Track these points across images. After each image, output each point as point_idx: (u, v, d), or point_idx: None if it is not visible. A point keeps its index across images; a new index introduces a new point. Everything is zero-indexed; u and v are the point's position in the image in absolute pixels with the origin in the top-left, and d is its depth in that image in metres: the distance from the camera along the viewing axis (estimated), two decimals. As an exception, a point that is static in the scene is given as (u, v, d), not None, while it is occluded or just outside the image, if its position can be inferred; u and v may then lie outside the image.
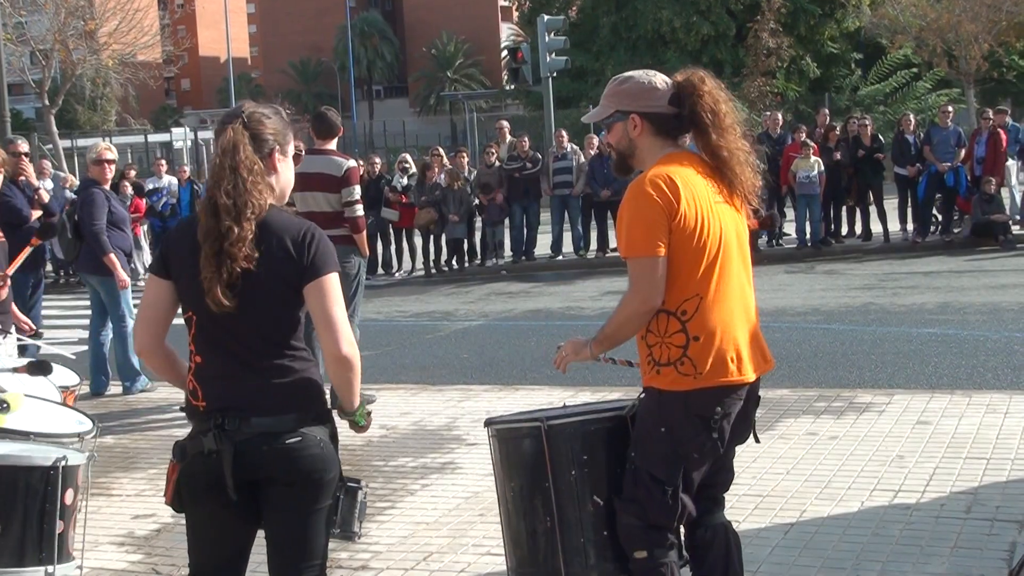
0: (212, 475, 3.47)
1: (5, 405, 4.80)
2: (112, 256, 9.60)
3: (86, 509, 5.23)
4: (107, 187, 9.93)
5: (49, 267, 19.19)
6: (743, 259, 3.96)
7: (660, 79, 3.92)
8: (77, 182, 19.99)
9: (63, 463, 4.74)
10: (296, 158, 9.35)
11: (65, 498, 4.76)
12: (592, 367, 9.97)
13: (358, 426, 3.76)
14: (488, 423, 4.24)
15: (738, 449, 6.84)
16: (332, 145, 9.10)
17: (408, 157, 20.48)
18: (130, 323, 9.66)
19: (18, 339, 6.88)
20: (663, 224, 3.73)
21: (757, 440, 4.15)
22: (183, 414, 3.68)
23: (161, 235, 20.24)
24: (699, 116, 3.85)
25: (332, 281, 3.50)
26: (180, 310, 3.63)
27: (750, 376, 3.87)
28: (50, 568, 4.74)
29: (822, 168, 17.94)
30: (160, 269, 3.60)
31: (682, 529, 4.03)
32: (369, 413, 3.82)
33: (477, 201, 19.33)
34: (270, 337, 3.51)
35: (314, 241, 3.49)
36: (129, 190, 19.88)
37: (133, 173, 21.18)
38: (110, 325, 9.95)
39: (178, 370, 3.74)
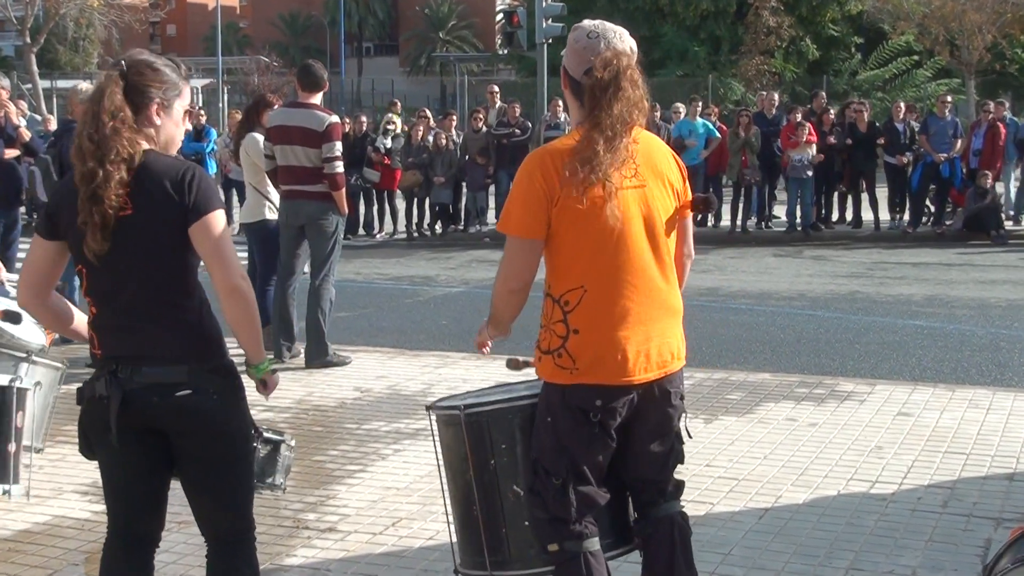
0: (106, 420, 3.51)
1: None
2: None
3: (32, 453, 5.27)
4: None
5: (23, 209, 19.05)
6: (656, 248, 3.72)
7: (600, 45, 3.66)
8: (54, 124, 19.90)
9: (17, 383, 4.85)
10: (294, 106, 9.37)
11: (17, 420, 4.85)
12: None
13: (261, 383, 3.75)
14: (428, 407, 4.19)
15: (715, 431, 6.88)
16: (316, 99, 9.05)
17: (394, 117, 20.39)
18: None
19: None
20: (540, 207, 3.61)
21: (689, 435, 4.03)
22: None
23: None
24: (592, 89, 3.64)
25: (217, 218, 3.51)
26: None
27: (637, 378, 3.68)
28: (5, 486, 4.83)
29: (814, 152, 17.95)
30: (45, 229, 3.62)
31: (632, 515, 3.99)
32: (274, 372, 3.82)
33: (467, 158, 19.22)
34: (158, 284, 3.52)
35: (194, 180, 3.50)
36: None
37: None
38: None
39: (66, 322, 3.79)
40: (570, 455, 3.72)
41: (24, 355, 5.20)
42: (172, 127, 3.68)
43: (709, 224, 19.13)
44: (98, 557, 5.18)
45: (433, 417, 4.17)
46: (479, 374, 8.54)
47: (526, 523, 3.84)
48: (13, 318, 5.11)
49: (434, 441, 4.23)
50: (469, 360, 9.32)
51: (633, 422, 3.78)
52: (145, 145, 3.53)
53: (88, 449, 3.67)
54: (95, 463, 3.73)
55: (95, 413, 3.56)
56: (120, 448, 3.54)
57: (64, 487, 6.09)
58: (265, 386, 3.76)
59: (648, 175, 3.73)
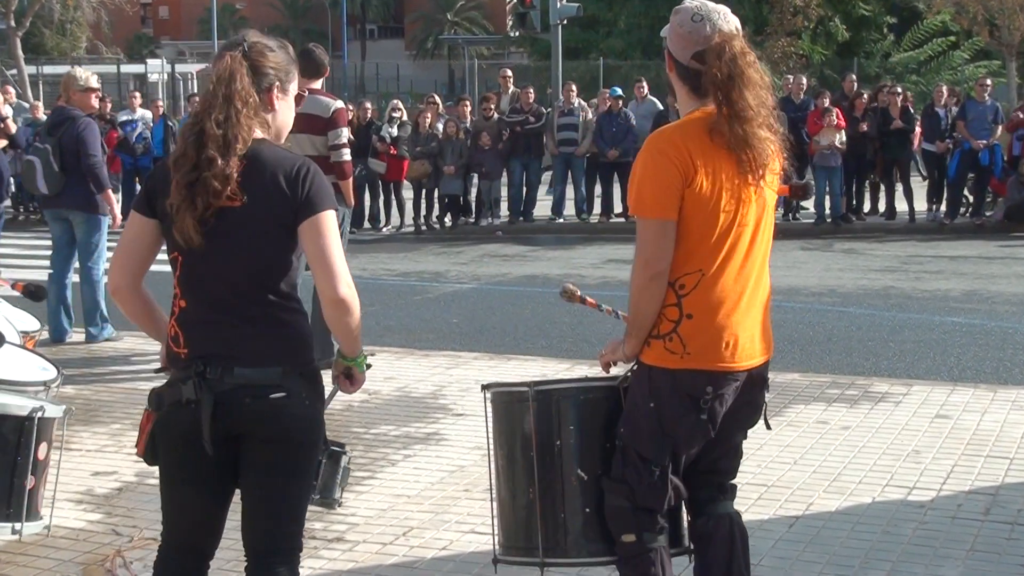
0: (189, 426, 3.47)
1: None
2: (110, 192, 9.66)
3: (59, 467, 5.26)
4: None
5: (8, 203, 19.15)
6: (762, 239, 3.88)
7: (706, 28, 3.73)
8: (42, 112, 19.95)
9: (39, 414, 4.72)
10: (299, 99, 9.36)
11: (38, 452, 4.75)
12: (592, 339, 10.02)
13: (351, 378, 3.78)
14: (484, 387, 4.27)
15: (744, 434, 6.86)
16: (318, 85, 9.07)
17: (399, 104, 20.39)
18: (104, 266, 9.67)
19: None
20: (676, 187, 3.69)
21: (768, 427, 4.17)
22: (149, 366, 3.70)
23: (131, 173, 20.13)
24: (714, 80, 3.71)
25: (328, 219, 3.50)
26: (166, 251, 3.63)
27: (744, 364, 3.81)
28: (17, 525, 4.74)
29: (844, 139, 17.91)
30: (143, 206, 3.59)
31: (685, 516, 4.06)
32: (370, 366, 3.84)
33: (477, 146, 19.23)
34: (258, 281, 3.50)
35: (309, 175, 3.49)
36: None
37: (109, 106, 21.05)
38: (75, 267, 9.95)
39: (154, 317, 3.72)
40: (673, 443, 3.81)
41: (41, 388, 5.12)
42: (288, 113, 3.68)
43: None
44: (92, 568, 5.23)
45: (488, 396, 4.22)
46: (492, 375, 8.56)
47: (587, 510, 3.90)
48: (37, 295, 5.04)
49: (486, 421, 4.27)
50: (481, 360, 9.34)
51: (730, 410, 3.88)
52: (259, 133, 3.52)
53: (152, 455, 3.63)
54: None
55: (179, 418, 3.51)
56: (194, 455, 3.50)
57: (57, 495, 6.10)
58: (352, 380, 3.79)
59: (748, 164, 3.81)
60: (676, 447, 3.82)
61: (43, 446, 4.82)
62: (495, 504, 4.23)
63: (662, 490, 3.82)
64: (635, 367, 3.89)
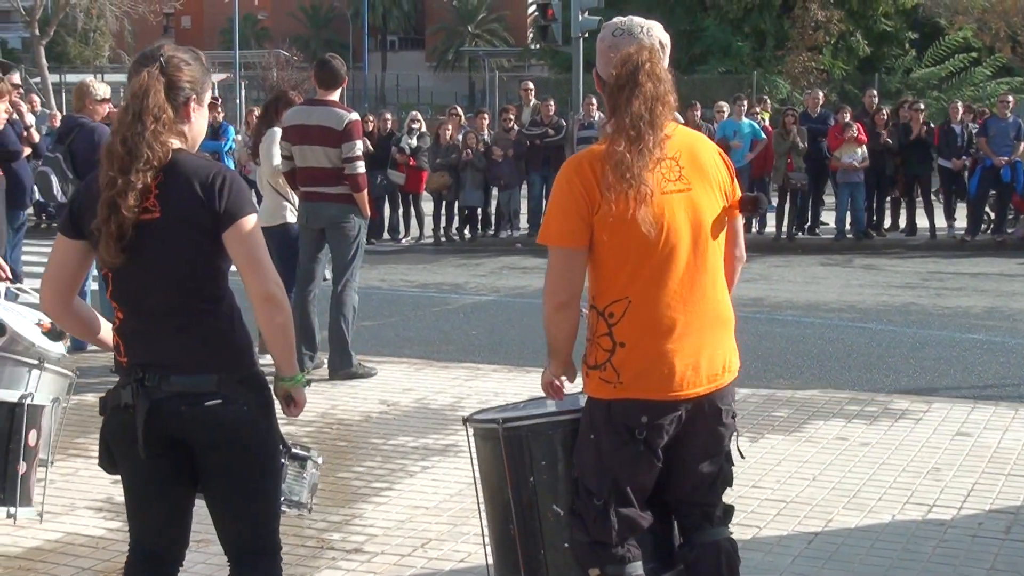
0: (132, 431, 3.54)
1: None
2: None
3: (48, 467, 5.30)
4: None
5: (30, 212, 19.22)
6: (702, 257, 3.71)
7: (629, 39, 3.66)
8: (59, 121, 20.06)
9: (28, 400, 4.87)
10: (310, 103, 9.41)
11: (29, 438, 4.87)
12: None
13: (287, 399, 3.74)
14: (465, 420, 4.22)
15: (761, 450, 6.86)
16: (335, 96, 9.07)
17: (419, 115, 20.43)
18: None
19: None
20: (581, 214, 3.62)
21: (741, 456, 4.07)
22: None
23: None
24: (610, 88, 3.65)
25: (250, 222, 3.55)
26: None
27: (684, 393, 3.69)
28: (11, 509, 4.86)
29: (866, 154, 17.88)
30: (68, 228, 3.65)
31: (677, 539, 4.00)
32: (308, 383, 3.84)
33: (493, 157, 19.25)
34: (186, 290, 3.55)
35: (225, 184, 3.53)
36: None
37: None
38: (93, 275, 9.96)
39: (92, 329, 3.82)
40: (613, 475, 3.72)
41: (36, 362, 5.23)
42: (202, 122, 3.73)
43: (753, 230, 19.05)
44: (113, 576, 5.25)
45: (470, 430, 4.18)
46: (511, 387, 8.56)
47: (566, 544, 3.85)
48: (59, 335, 5.15)
49: (471, 455, 4.24)
50: (500, 372, 9.34)
51: (681, 440, 3.78)
52: (176, 144, 3.56)
53: (109, 463, 3.71)
54: (110, 478, 3.76)
55: (120, 423, 3.59)
56: (145, 461, 3.56)
57: (77, 503, 6.14)
58: (292, 403, 3.77)
59: (693, 176, 3.72)
60: (617, 479, 3.73)
61: (32, 433, 4.93)
62: (486, 539, 4.21)
63: (606, 522, 3.72)
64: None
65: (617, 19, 3.79)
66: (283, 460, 3.81)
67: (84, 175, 9.66)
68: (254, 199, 3.66)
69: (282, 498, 3.82)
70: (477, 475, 4.18)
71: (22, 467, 4.91)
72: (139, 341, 3.58)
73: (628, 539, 3.77)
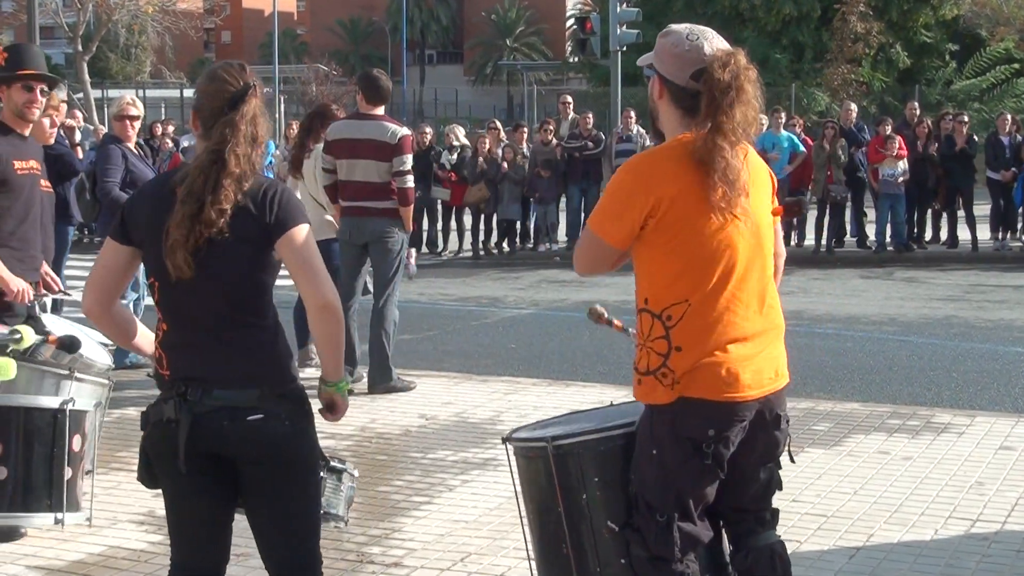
0: (173, 445, 3.56)
1: (18, 336, 4.94)
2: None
3: (94, 479, 5.33)
4: (130, 145, 9.68)
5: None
6: (758, 264, 3.72)
7: (704, 46, 3.69)
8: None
9: (70, 406, 4.90)
10: (327, 122, 9.50)
11: (72, 444, 4.90)
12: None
13: (329, 406, 3.77)
14: (505, 439, 4.17)
15: (802, 464, 6.82)
16: (381, 111, 9.13)
17: (458, 129, 20.48)
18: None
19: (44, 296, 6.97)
20: (630, 214, 3.61)
21: (792, 460, 4.03)
22: None
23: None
24: (711, 91, 3.62)
25: (303, 231, 3.58)
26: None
27: (744, 395, 3.65)
28: (59, 515, 4.89)
29: (906, 168, 17.78)
30: (119, 234, 3.69)
31: (727, 547, 3.97)
32: (351, 391, 3.85)
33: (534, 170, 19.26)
34: (234, 304, 3.58)
35: (276, 195, 3.58)
36: (169, 145, 20.10)
37: (172, 128, 21.30)
38: (129, 292, 10.00)
39: (130, 334, 3.85)
40: (676, 490, 3.68)
41: (66, 372, 5.27)
42: None
43: (792, 243, 18.95)
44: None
45: (511, 449, 4.14)
46: (551, 401, 8.55)
47: (623, 561, 3.79)
48: (70, 346, 5.18)
49: (511, 473, 4.23)
50: (540, 386, 9.33)
51: (740, 449, 3.75)
52: None
53: (148, 476, 3.72)
54: (152, 492, 3.78)
55: (161, 437, 3.61)
56: (186, 475, 3.59)
57: (119, 516, 6.17)
58: (334, 409, 3.78)
59: (753, 185, 3.72)
60: (681, 494, 3.68)
61: (76, 438, 4.95)
62: (531, 556, 4.17)
63: (668, 538, 3.68)
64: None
65: (680, 26, 3.79)
66: (321, 473, 3.83)
67: (94, 192, 9.68)
68: (306, 211, 3.69)
69: (321, 511, 3.84)
70: (518, 490, 4.17)
71: (67, 472, 4.94)
72: (183, 354, 3.61)
73: (689, 554, 3.74)
